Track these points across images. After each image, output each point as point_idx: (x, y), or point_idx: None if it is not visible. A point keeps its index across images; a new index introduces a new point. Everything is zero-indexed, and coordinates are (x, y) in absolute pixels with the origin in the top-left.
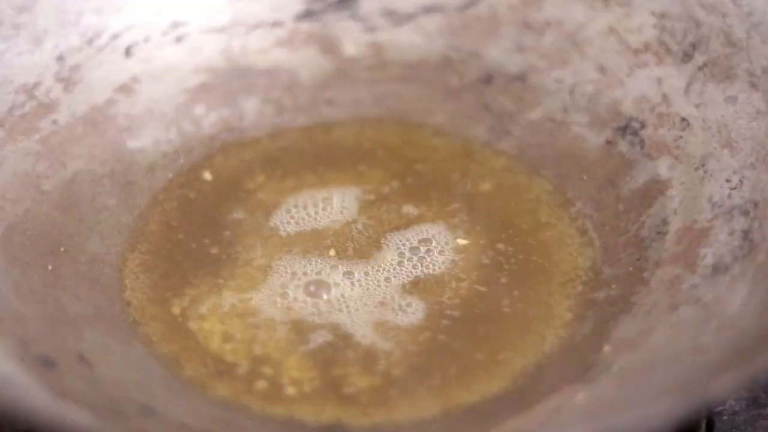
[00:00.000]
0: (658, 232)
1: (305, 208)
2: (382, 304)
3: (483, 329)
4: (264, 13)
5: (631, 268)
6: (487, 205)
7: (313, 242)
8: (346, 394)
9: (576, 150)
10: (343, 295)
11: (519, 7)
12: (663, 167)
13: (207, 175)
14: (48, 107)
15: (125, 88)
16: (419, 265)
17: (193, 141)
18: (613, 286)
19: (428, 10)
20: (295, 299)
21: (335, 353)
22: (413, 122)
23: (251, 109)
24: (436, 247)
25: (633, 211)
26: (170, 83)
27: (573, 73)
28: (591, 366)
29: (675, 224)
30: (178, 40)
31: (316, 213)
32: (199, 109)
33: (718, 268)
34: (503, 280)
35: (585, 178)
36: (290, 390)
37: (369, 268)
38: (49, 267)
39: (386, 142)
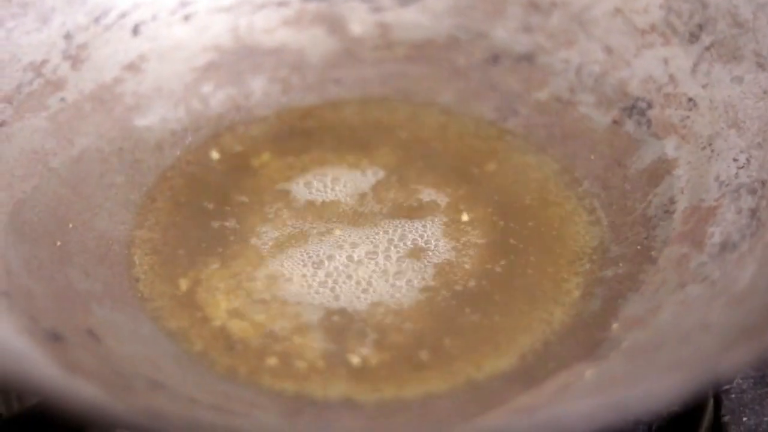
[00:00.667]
0: (666, 211)
1: (312, 186)
2: (388, 280)
3: (491, 307)
4: None
5: (638, 247)
6: (494, 184)
7: (319, 220)
8: (354, 370)
9: (583, 130)
10: (350, 272)
11: None
12: (670, 147)
13: (214, 154)
14: (56, 85)
15: (133, 67)
16: (426, 243)
17: (201, 119)
18: (620, 265)
19: None
20: (303, 276)
21: (343, 330)
22: (420, 102)
23: (258, 88)
24: (442, 225)
25: (640, 191)
26: (178, 62)
27: (580, 54)
28: (599, 343)
29: (682, 203)
30: (186, 18)
31: (323, 191)
32: (206, 88)
33: (725, 247)
34: (511, 258)
35: (592, 157)
36: (299, 366)
37: (375, 245)
38: (58, 243)
39: (393, 121)
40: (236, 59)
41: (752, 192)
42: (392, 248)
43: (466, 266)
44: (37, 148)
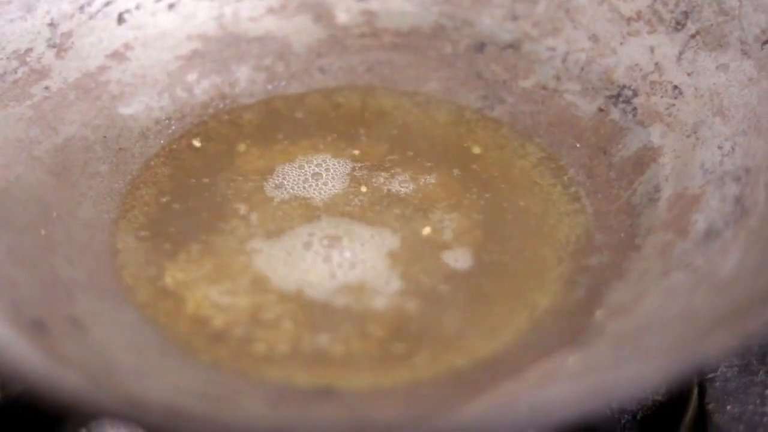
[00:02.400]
0: (650, 199)
1: (297, 174)
2: (371, 268)
3: (474, 294)
4: None
5: (623, 235)
6: (479, 172)
7: (305, 208)
8: (337, 358)
9: (568, 118)
10: (334, 260)
11: None
12: (655, 135)
13: (199, 142)
14: (40, 73)
15: (117, 55)
16: (410, 230)
17: (186, 108)
18: (605, 253)
19: None
20: (288, 264)
21: (327, 317)
22: (406, 90)
23: (243, 76)
24: (427, 213)
25: (625, 179)
26: (162, 50)
27: (565, 42)
28: (583, 331)
29: (667, 191)
30: (171, 7)
31: (308, 179)
32: (191, 76)
33: (709, 234)
34: (495, 245)
35: (577, 145)
36: (283, 353)
37: (359, 233)
38: (42, 232)
39: (378, 109)
40: (221, 47)
41: (736, 179)
42: (376, 236)
43: (450, 254)
44: (21, 137)
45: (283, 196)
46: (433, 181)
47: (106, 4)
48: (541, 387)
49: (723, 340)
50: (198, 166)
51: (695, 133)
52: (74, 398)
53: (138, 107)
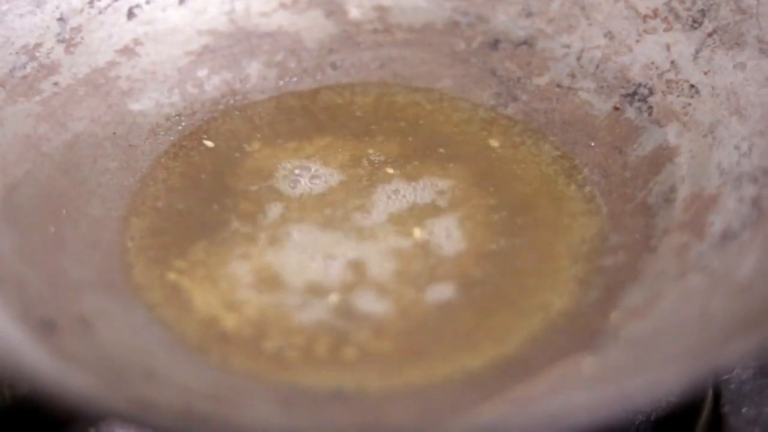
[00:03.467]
0: (666, 200)
1: (309, 172)
2: (384, 268)
3: (487, 295)
4: None
5: (638, 236)
6: (493, 171)
7: (316, 206)
8: (349, 360)
9: (583, 116)
10: (346, 260)
11: None
12: (671, 134)
13: (208, 140)
14: (49, 69)
15: (127, 50)
16: (424, 229)
17: (196, 104)
18: (620, 254)
19: None
20: (299, 264)
21: (338, 319)
22: (419, 87)
23: (254, 72)
24: (440, 212)
25: (640, 178)
26: (173, 45)
27: (581, 39)
28: (597, 333)
29: (683, 191)
30: (181, 2)
31: (320, 177)
32: (201, 72)
33: (726, 236)
34: (509, 246)
35: (592, 144)
36: (294, 355)
37: (373, 231)
38: (51, 230)
39: (391, 106)
40: (232, 43)
41: (754, 180)
42: (389, 235)
43: (464, 254)
44: (30, 133)
45: (294, 193)
46: (445, 179)
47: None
48: (556, 391)
49: (740, 344)
50: (208, 163)
51: (712, 132)
52: (83, 399)
53: (148, 103)
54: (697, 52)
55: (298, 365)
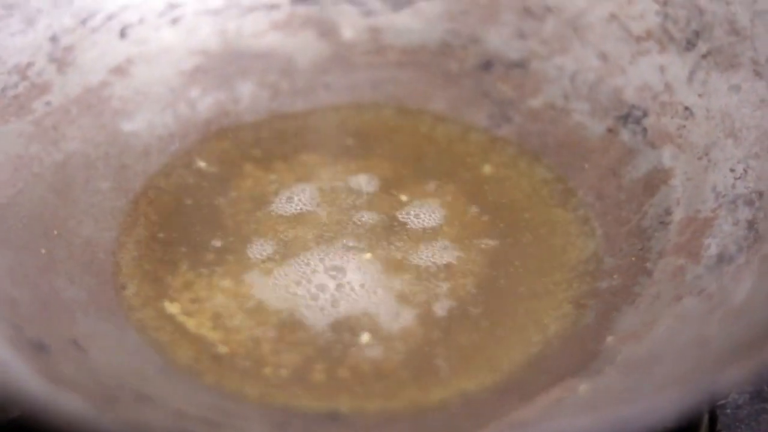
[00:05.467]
0: (661, 222)
1: (301, 193)
2: (378, 292)
3: (483, 318)
4: None
5: (633, 258)
6: (487, 193)
7: (309, 228)
8: (344, 383)
9: (577, 138)
10: (340, 283)
11: None
12: (666, 156)
13: (202, 160)
14: (41, 88)
15: (120, 70)
16: (417, 253)
17: (189, 124)
18: (615, 276)
19: None
20: (293, 286)
21: (333, 342)
22: (412, 108)
23: (247, 92)
24: (433, 235)
25: (635, 201)
26: (165, 65)
27: (574, 61)
28: (593, 357)
29: (678, 214)
30: (174, 21)
31: (313, 198)
32: (194, 92)
33: (722, 259)
34: (503, 269)
35: (586, 166)
36: (288, 377)
37: (367, 254)
38: (42, 250)
39: (384, 128)
40: (224, 63)
41: (749, 203)
42: (383, 258)
43: (458, 277)
44: (22, 153)
45: (286, 215)
46: (438, 201)
47: (109, 19)
48: (552, 415)
49: (737, 369)
50: (201, 184)
51: (707, 155)
52: (75, 421)
53: (140, 123)
54: (692, 74)
55: (292, 387)
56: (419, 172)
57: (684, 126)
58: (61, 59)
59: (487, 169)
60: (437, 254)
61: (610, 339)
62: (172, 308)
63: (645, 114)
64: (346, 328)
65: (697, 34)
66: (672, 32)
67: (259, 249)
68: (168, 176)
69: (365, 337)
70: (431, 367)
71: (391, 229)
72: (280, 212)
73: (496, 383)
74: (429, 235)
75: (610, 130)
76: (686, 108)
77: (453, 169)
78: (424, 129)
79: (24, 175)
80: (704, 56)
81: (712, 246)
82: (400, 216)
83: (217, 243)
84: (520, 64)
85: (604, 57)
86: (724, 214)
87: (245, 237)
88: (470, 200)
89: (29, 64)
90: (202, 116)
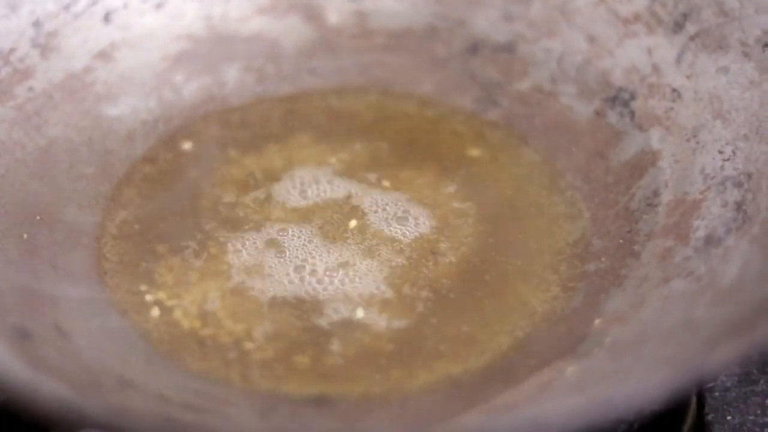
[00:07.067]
0: (649, 204)
1: (287, 178)
2: (365, 277)
3: (471, 301)
4: None
5: (621, 241)
6: (474, 176)
7: (294, 213)
8: (330, 368)
9: (564, 121)
10: (327, 268)
11: None
12: (654, 139)
13: (186, 145)
14: (24, 73)
15: (103, 55)
16: (405, 237)
17: (173, 109)
18: (603, 259)
19: None
20: (277, 272)
21: (319, 327)
22: (398, 92)
23: (232, 77)
24: (421, 218)
25: (623, 183)
26: (150, 50)
27: (561, 43)
28: (581, 339)
29: (666, 196)
30: (158, 6)
31: (299, 183)
32: (179, 77)
33: (710, 241)
34: (491, 252)
35: (574, 149)
36: (273, 362)
37: (354, 239)
38: (25, 236)
39: (371, 112)
40: (210, 48)
41: (738, 185)
42: (371, 243)
43: (446, 261)
44: (4, 139)
45: (273, 200)
46: (425, 185)
47: (93, 4)
48: (540, 399)
49: (725, 351)
50: (185, 169)
51: (695, 137)
52: (59, 407)
53: (124, 109)
54: (680, 55)
55: (276, 372)
56: (405, 156)
57: (672, 108)
58: (45, 44)
59: (474, 152)
60: (424, 237)
61: (597, 321)
62: (156, 294)
63: (633, 96)
64: (331, 312)
65: (684, 15)
66: (660, 14)
67: (245, 234)
68: (152, 161)
69: (350, 322)
70: (418, 350)
71: (377, 212)
72: (265, 197)
73: (483, 366)
74: (414, 217)
75: (597, 113)
76: (674, 90)
77: (440, 153)
78: (410, 112)
79: (6, 161)
80: (692, 38)
81: (700, 228)
82: (386, 199)
83: (202, 228)
84: (507, 48)
85: (591, 39)
86: (713, 195)
87: (229, 222)
88: (457, 183)
89: (12, 50)
90: (187, 101)
